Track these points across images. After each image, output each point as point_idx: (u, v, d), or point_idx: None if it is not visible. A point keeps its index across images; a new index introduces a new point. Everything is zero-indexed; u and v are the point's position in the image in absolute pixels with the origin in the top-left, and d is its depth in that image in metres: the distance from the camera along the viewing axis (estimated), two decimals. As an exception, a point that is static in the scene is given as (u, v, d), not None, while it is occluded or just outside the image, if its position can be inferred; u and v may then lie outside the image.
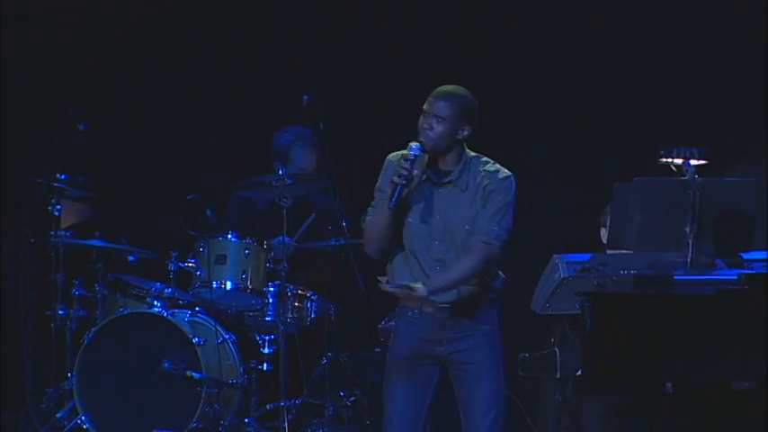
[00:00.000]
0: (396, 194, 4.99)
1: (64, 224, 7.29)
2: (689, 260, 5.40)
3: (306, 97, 6.57)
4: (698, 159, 5.48)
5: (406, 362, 5.10)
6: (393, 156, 5.16)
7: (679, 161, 5.51)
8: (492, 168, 5.13)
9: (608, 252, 5.82)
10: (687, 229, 5.43)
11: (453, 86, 5.14)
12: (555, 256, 5.50)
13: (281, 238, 6.84)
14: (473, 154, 5.13)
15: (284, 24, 8.23)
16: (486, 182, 5.08)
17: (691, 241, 5.41)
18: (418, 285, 4.98)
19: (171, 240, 7.16)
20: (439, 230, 5.06)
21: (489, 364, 5.07)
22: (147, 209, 8.01)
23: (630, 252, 5.57)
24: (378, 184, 5.16)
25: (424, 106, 5.08)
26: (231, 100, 8.28)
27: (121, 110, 8.20)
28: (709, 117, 7.60)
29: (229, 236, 7.01)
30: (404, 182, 4.99)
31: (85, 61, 8.21)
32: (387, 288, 5.06)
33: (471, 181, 5.09)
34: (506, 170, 5.12)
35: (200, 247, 6.99)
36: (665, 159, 5.53)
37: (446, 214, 5.06)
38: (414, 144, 5.04)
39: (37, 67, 8.19)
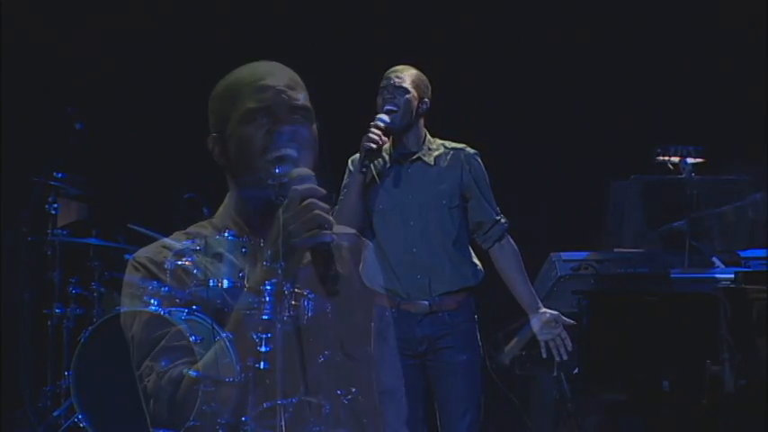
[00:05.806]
0: (367, 157, 4.99)
1: (61, 223, 7.28)
2: (686, 258, 5.39)
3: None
4: (694, 157, 5.48)
5: None
6: (354, 157, 5.18)
7: (676, 159, 5.50)
8: (458, 145, 5.18)
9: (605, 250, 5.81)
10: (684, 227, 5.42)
11: (403, 65, 5.20)
12: (552, 254, 5.50)
13: None
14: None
15: (284, 24, 8.22)
16: (456, 158, 5.11)
17: (688, 239, 5.40)
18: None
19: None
20: (413, 210, 5.05)
21: (467, 366, 5.07)
22: (144, 207, 7.98)
23: (627, 250, 5.55)
24: (343, 184, 5.16)
25: (382, 83, 5.12)
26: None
27: (118, 108, 8.18)
28: (709, 117, 7.58)
29: (226, 234, 6.98)
30: (374, 146, 4.98)
31: (83, 60, 8.19)
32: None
33: (436, 155, 5.11)
34: (468, 146, 5.16)
35: (197, 245, 6.96)
36: (661, 157, 5.53)
37: (419, 191, 5.08)
38: (381, 115, 5.05)
39: (35, 66, 8.17)
